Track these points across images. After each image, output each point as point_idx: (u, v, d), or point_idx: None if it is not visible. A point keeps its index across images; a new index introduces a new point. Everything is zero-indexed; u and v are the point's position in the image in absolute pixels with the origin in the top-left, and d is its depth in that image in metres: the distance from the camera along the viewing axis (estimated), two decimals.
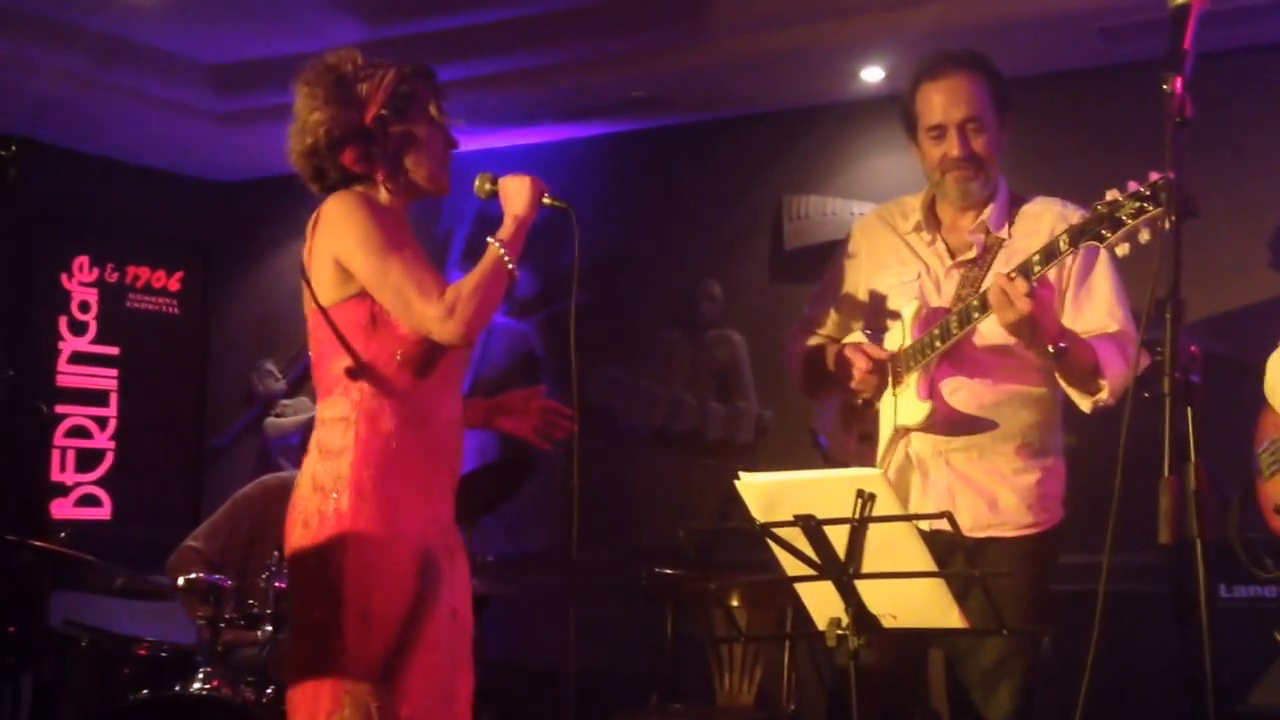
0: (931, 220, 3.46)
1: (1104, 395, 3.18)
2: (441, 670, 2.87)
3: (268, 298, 6.96)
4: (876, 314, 3.48)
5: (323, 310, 2.92)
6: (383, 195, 2.98)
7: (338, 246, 2.87)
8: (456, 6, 5.59)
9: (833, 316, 3.61)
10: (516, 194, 2.97)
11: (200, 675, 3.84)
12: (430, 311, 2.79)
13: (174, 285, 7.17)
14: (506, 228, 2.94)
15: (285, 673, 2.95)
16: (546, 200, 2.99)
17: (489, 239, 2.91)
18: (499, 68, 5.77)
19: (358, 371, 2.87)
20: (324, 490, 2.86)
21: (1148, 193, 2.82)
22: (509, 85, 5.85)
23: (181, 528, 4.94)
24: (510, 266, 2.88)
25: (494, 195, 3.02)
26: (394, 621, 2.80)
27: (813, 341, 3.61)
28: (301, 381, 6.87)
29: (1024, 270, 3.03)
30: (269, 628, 3.91)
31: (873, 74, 5.56)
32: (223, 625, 3.92)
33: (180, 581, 3.98)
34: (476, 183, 3.05)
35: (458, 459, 3.02)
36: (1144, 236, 2.86)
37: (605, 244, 6.24)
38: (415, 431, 2.89)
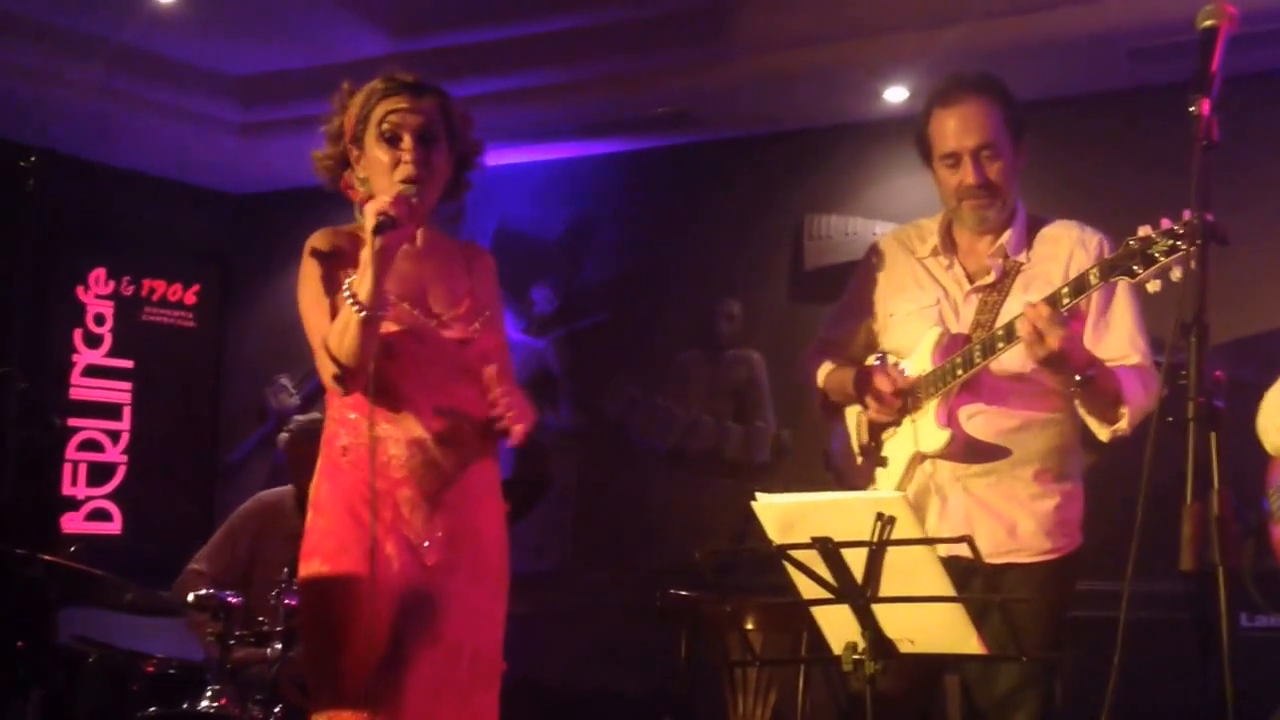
0: (948, 244, 3.44)
1: (1123, 425, 3.16)
2: (443, 698, 2.82)
3: (284, 312, 6.88)
4: (894, 337, 3.45)
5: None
6: None
7: None
8: (480, 21, 5.59)
9: (850, 338, 3.58)
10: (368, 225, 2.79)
11: (209, 693, 3.85)
12: (317, 360, 2.87)
13: (190, 299, 7.15)
14: (360, 269, 2.78)
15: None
16: (382, 218, 2.73)
17: (344, 284, 2.78)
18: (522, 83, 5.76)
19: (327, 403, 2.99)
20: (304, 510, 2.99)
21: (1181, 231, 2.78)
22: (532, 100, 5.84)
23: (192, 543, 4.92)
24: (357, 310, 2.72)
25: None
26: (367, 639, 2.76)
27: (833, 363, 3.57)
28: (315, 397, 6.85)
29: (1052, 303, 2.99)
30: (278, 645, 3.90)
31: (896, 94, 5.54)
32: (232, 643, 3.91)
33: (190, 598, 3.98)
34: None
35: (431, 473, 2.88)
36: (1175, 275, 2.82)
37: (624, 261, 6.22)
38: (369, 449, 2.83)
